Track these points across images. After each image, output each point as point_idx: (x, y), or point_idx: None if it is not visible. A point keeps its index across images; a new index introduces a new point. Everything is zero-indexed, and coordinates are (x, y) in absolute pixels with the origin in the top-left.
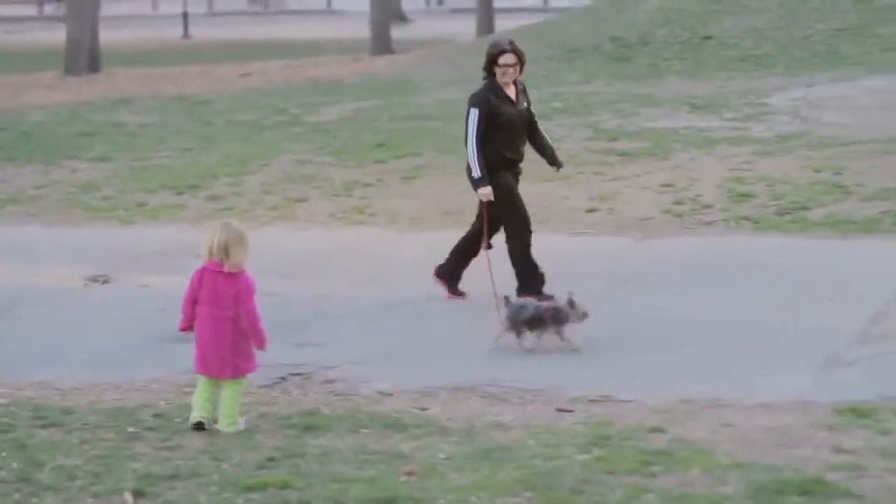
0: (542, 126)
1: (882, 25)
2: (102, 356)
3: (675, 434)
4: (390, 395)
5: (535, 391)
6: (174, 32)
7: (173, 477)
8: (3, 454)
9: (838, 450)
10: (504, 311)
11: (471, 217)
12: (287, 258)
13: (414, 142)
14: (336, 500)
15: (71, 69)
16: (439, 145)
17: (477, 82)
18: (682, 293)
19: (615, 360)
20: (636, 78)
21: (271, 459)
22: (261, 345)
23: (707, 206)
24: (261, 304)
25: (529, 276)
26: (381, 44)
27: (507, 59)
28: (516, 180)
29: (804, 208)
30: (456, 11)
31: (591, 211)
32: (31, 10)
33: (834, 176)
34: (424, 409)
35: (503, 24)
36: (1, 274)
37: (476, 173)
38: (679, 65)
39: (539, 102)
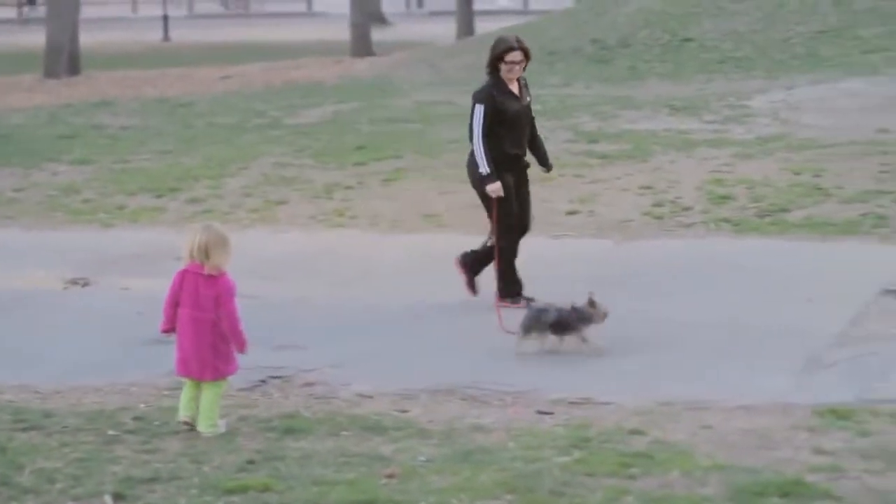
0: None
1: (861, 27)
2: (82, 359)
3: (654, 436)
4: (370, 397)
5: (515, 393)
6: (154, 35)
7: (153, 480)
8: None
9: (818, 451)
10: (525, 314)
11: (451, 219)
12: (267, 260)
13: (394, 144)
14: (316, 502)
15: (51, 72)
16: (419, 148)
17: (456, 84)
18: (662, 295)
19: (595, 362)
20: (616, 80)
21: (251, 462)
22: (241, 347)
23: (687, 209)
24: (241, 306)
25: (508, 280)
26: (362, 46)
27: (515, 56)
28: (522, 176)
29: (784, 210)
30: (435, 14)
31: (571, 213)
32: (10, 13)
33: (813, 178)
34: (405, 412)
35: (483, 27)
36: None
37: (484, 170)
38: (659, 67)
39: None
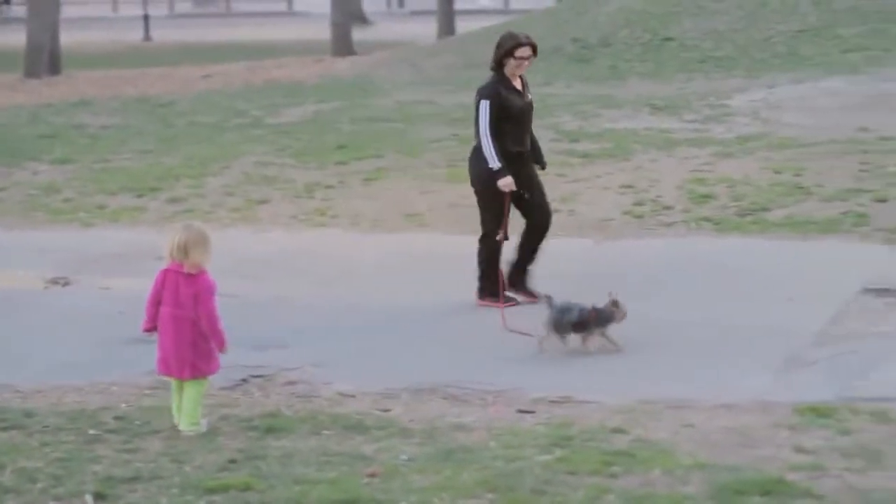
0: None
1: (842, 26)
2: (63, 358)
3: (636, 435)
4: (352, 396)
5: (496, 392)
6: (135, 34)
7: (134, 479)
8: None
9: (799, 450)
10: (546, 314)
11: (432, 218)
12: (249, 260)
13: (375, 143)
14: (298, 501)
15: (31, 71)
16: (401, 147)
17: (437, 84)
18: (643, 295)
19: (576, 361)
20: (597, 79)
21: (233, 461)
22: (220, 346)
23: (668, 208)
24: (222, 305)
25: (489, 279)
26: (343, 46)
27: (524, 51)
28: (527, 171)
29: (764, 209)
30: (416, 13)
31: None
32: None
33: (794, 177)
34: (386, 411)
35: (464, 26)
36: None
37: (494, 164)
38: (640, 66)
39: None
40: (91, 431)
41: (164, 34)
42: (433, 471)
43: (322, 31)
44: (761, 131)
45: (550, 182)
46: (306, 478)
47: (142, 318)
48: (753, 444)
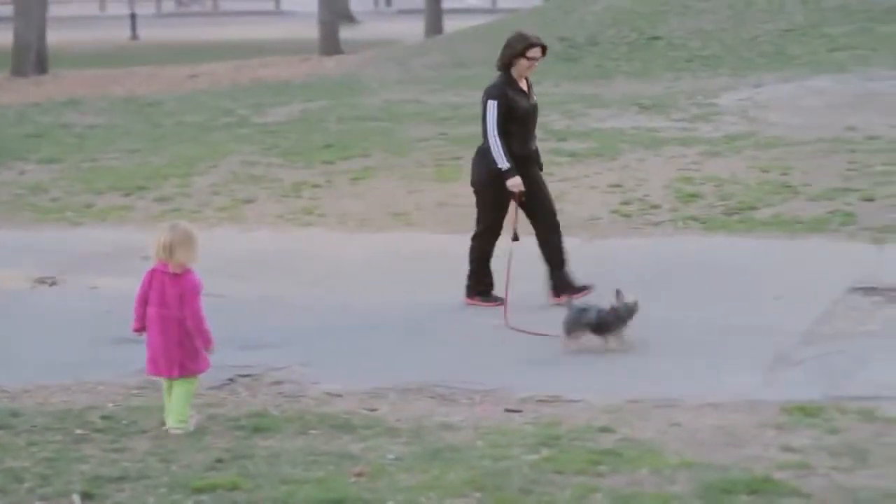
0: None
1: (829, 25)
2: (50, 358)
3: (623, 434)
4: (339, 396)
5: (483, 392)
6: (122, 34)
7: (121, 479)
8: None
9: (786, 449)
10: (567, 315)
11: (419, 217)
12: (235, 259)
13: (362, 143)
14: (285, 501)
15: (18, 70)
16: (388, 146)
17: (425, 83)
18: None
19: (564, 360)
20: (584, 78)
21: (220, 461)
22: (206, 345)
23: (655, 207)
24: (209, 305)
25: (477, 278)
26: (330, 44)
27: (536, 52)
28: (530, 174)
29: (752, 208)
30: (404, 12)
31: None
32: None
33: (781, 176)
34: (373, 410)
35: (451, 25)
36: None
37: (503, 164)
38: (627, 65)
39: None
40: (78, 431)
41: (151, 33)
42: (420, 470)
43: (309, 30)
44: (749, 130)
45: None
46: (293, 477)
47: (129, 318)
48: (741, 443)
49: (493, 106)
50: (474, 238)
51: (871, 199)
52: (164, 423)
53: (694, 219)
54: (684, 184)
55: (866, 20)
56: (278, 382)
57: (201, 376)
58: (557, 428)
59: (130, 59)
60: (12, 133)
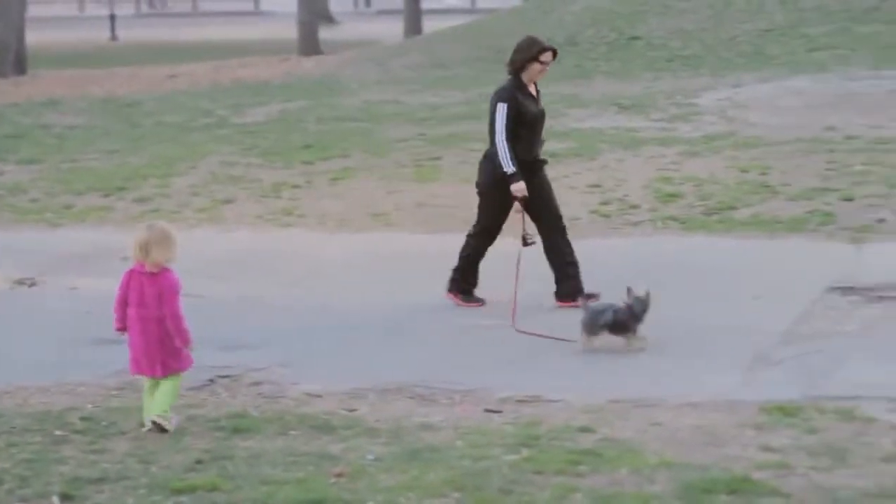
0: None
1: (808, 26)
2: (29, 359)
3: (603, 434)
4: (319, 396)
5: (463, 392)
6: (101, 34)
7: (101, 480)
8: None
9: (765, 448)
10: (584, 315)
11: (399, 218)
12: (215, 260)
13: (342, 143)
14: (265, 502)
15: None
16: (367, 147)
17: (404, 83)
18: (610, 293)
19: (543, 360)
20: (563, 78)
21: (199, 462)
22: (185, 344)
23: (634, 207)
24: (188, 305)
25: (463, 276)
26: (309, 45)
27: (548, 56)
28: (536, 180)
29: (731, 208)
30: (383, 13)
31: (519, 211)
32: None
33: (760, 176)
34: (353, 411)
35: (430, 26)
36: None
37: (509, 168)
38: (606, 65)
39: (466, 104)
40: (57, 432)
41: (130, 34)
42: (400, 470)
43: (288, 31)
44: (728, 130)
45: None
46: (273, 478)
47: (109, 319)
48: (720, 442)
49: (502, 108)
50: (470, 235)
51: (850, 199)
52: (143, 425)
53: (673, 219)
54: (663, 184)
55: (845, 20)
56: (258, 383)
57: (184, 375)
58: (537, 428)
59: (110, 60)
60: None
